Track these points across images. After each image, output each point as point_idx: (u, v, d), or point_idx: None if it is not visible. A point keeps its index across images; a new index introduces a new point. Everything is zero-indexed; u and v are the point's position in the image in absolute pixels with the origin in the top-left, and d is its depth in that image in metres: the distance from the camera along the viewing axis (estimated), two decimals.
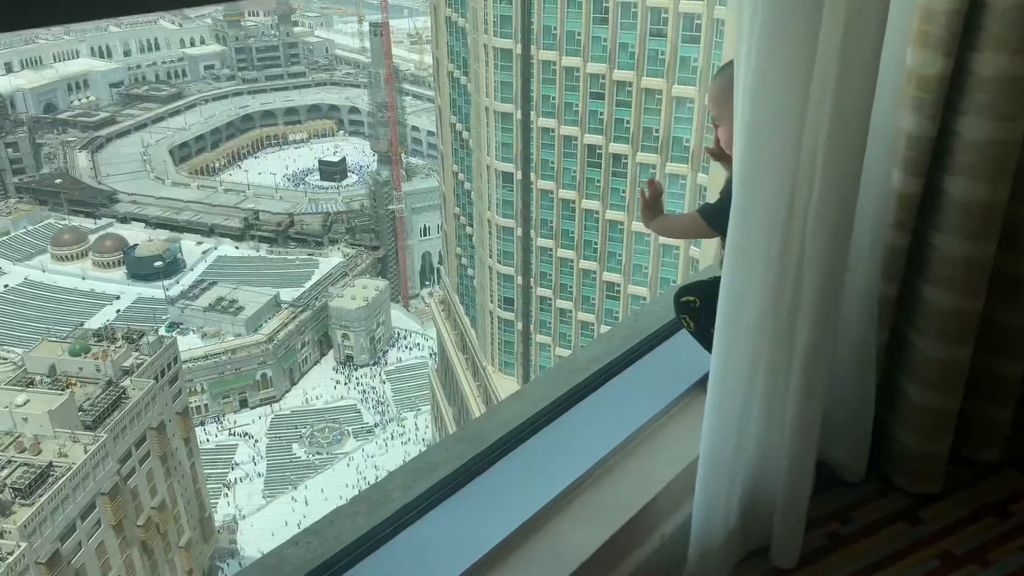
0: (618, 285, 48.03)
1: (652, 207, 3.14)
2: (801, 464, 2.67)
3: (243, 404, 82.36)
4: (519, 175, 49.63)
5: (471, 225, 56.93)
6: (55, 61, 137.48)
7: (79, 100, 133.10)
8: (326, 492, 69.51)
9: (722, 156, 3.01)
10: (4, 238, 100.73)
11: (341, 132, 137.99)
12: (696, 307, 3.22)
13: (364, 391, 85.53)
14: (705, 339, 3.16)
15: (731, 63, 2.96)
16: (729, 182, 3.01)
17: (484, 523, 2.70)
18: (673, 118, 43.25)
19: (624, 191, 45.79)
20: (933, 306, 2.96)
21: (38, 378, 52.62)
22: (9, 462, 45.57)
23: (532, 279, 51.19)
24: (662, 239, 44.76)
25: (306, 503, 69.94)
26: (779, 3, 2.02)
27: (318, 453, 77.59)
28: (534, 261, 50.96)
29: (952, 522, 3.13)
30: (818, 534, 3.03)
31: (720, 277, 3.19)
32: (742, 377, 2.46)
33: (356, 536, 2.61)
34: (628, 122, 44.60)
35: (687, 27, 41.95)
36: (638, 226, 45.83)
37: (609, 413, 3.16)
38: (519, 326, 53.23)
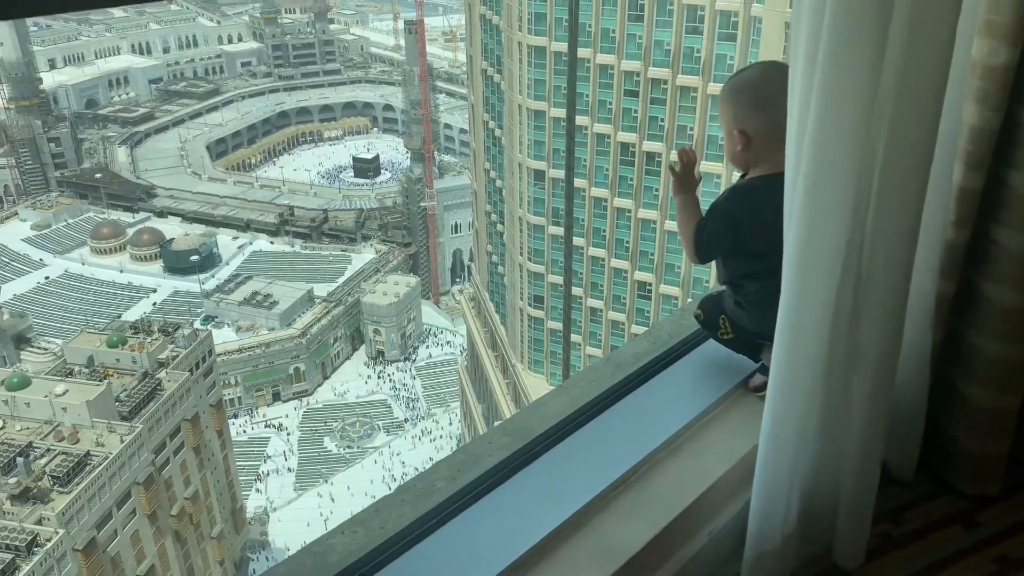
0: (650, 284, 47.75)
1: (684, 179, 3.05)
2: (868, 462, 2.63)
3: (276, 397, 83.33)
4: (551, 172, 49.54)
5: (502, 223, 56.97)
6: (96, 58, 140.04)
7: (119, 96, 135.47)
8: (352, 488, 70.01)
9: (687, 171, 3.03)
10: (46, 231, 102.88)
11: (375, 129, 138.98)
12: (703, 320, 3.23)
13: (395, 386, 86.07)
14: (731, 347, 3.17)
15: (731, 76, 2.95)
16: (723, 201, 2.95)
17: (530, 516, 2.67)
18: (708, 116, 42.88)
19: (657, 189, 45.50)
20: (994, 304, 2.87)
21: (77, 369, 53.72)
22: (48, 450, 46.55)
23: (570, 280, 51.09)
24: None
25: (331, 499, 70.53)
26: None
27: (349, 447, 78.26)
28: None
29: (1009, 525, 3.04)
30: (870, 534, 2.97)
31: (723, 290, 3.17)
32: (803, 378, 2.40)
33: (402, 526, 2.60)
34: (662, 120, 44.32)
35: (723, 24, 41.57)
36: (671, 225, 45.54)
37: (656, 408, 3.11)
38: (549, 324, 53.15)
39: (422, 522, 2.62)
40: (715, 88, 42.13)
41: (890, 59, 2.07)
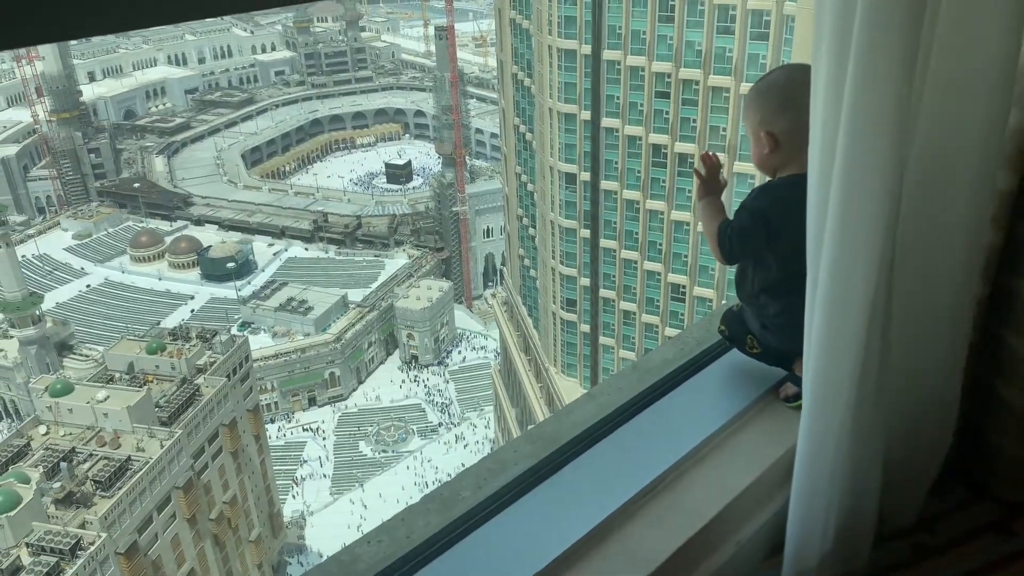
0: (683, 287, 47.41)
1: (709, 182, 3.05)
2: (905, 473, 2.59)
3: (311, 402, 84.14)
4: (582, 175, 49.43)
5: (534, 226, 56.96)
6: (134, 69, 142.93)
7: (156, 106, 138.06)
8: (384, 495, 70.28)
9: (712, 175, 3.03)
10: (86, 240, 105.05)
11: (407, 135, 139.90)
12: (727, 335, 3.21)
13: (428, 390, 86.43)
14: (760, 360, 3.14)
15: (757, 81, 2.92)
16: (751, 200, 2.91)
17: (555, 525, 2.66)
18: (741, 116, 42.45)
19: (690, 191, 45.16)
20: None
21: (118, 375, 54.67)
22: (91, 455, 47.41)
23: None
24: None
25: (363, 506, 70.94)
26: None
27: (384, 451, 78.72)
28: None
29: None
30: (904, 543, 2.91)
31: (744, 307, 3.11)
32: (841, 391, 2.33)
33: (427, 535, 2.60)
34: (694, 121, 44.02)
35: (756, 24, 41.18)
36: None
37: (683, 416, 3.08)
38: (582, 327, 53.00)
39: (448, 531, 2.62)
40: (748, 88, 41.72)
41: (927, 58, 2.02)
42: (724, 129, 43.22)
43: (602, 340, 52.20)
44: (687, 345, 3.44)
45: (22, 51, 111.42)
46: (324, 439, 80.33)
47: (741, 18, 41.17)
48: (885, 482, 2.60)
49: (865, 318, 2.23)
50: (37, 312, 77.66)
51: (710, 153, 3.08)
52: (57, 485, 44.55)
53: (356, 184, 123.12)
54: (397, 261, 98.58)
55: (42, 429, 50.03)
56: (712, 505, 2.77)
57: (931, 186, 2.21)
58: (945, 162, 2.21)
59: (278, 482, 67.14)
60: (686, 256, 46.83)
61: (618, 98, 45.74)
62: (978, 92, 2.15)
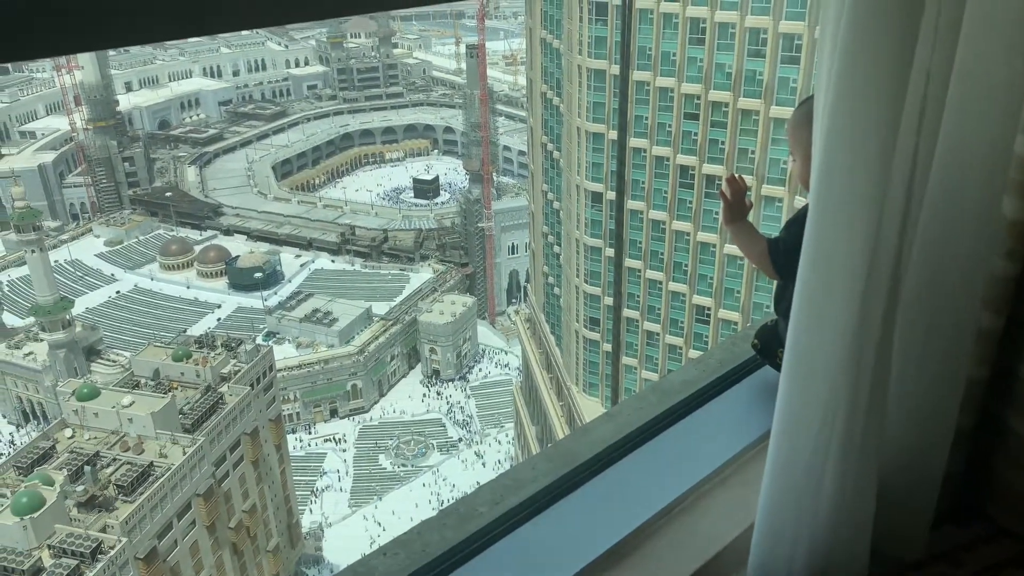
0: (708, 309, 47.11)
1: (734, 208, 3.05)
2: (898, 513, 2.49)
3: (333, 414, 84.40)
4: (609, 194, 49.40)
5: (559, 244, 56.97)
6: (170, 80, 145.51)
7: (190, 117, 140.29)
8: (397, 512, 70.16)
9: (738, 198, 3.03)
10: (118, 247, 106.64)
11: (435, 151, 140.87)
12: (760, 349, 3.22)
13: (450, 405, 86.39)
14: None
15: (809, 98, 2.88)
16: (801, 214, 2.90)
17: (571, 544, 2.65)
18: (770, 139, 42.30)
19: (716, 212, 44.97)
20: None
21: (143, 381, 55.23)
22: (114, 460, 47.83)
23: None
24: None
25: (377, 523, 70.87)
26: (870, 12, 1.87)
27: (403, 465, 78.67)
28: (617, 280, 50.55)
29: None
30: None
31: (780, 321, 3.10)
32: (813, 426, 2.22)
33: (443, 550, 2.60)
34: (722, 143, 43.89)
35: (787, 47, 41.08)
36: (731, 248, 44.92)
37: (703, 438, 3.06)
38: (605, 347, 52.78)
39: (463, 546, 2.62)
40: (778, 111, 41.59)
41: (926, 83, 1.97)
42: (752, 152, 43.05)
43: (624, 360, 51.95)
44: (709, 367, 3.42)
45: (62, 60, 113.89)
46: (344, 451, 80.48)
47: (772, 41, 41.10)
48: (884, 514, 2.51)
49: (845, 344, 2.13)
50: (67, 316, 78.78)
51: (736, 176, 3.07)
52: (80, 488, 44.95)
53: (384, 198, 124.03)
54: (422, 275, 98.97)
55: (68, 432, 50.60)
56: (731, 529, 2.74)
57: (936, 211, 2.18)
58: (949, 186, 2.17)
59: (297, 493, 67.27)
60: (711, 278, 46.55)
61: (647, 118, 45.75)
62: (985, 116, 2.12)
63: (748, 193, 3.13)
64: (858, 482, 2.32)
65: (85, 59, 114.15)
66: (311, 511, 72.02)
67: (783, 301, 3.04)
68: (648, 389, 3.36)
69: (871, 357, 2.16)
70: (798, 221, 2.92)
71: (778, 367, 3.18)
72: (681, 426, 3.11)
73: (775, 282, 3.13)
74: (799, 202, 40.27)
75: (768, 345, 3.16)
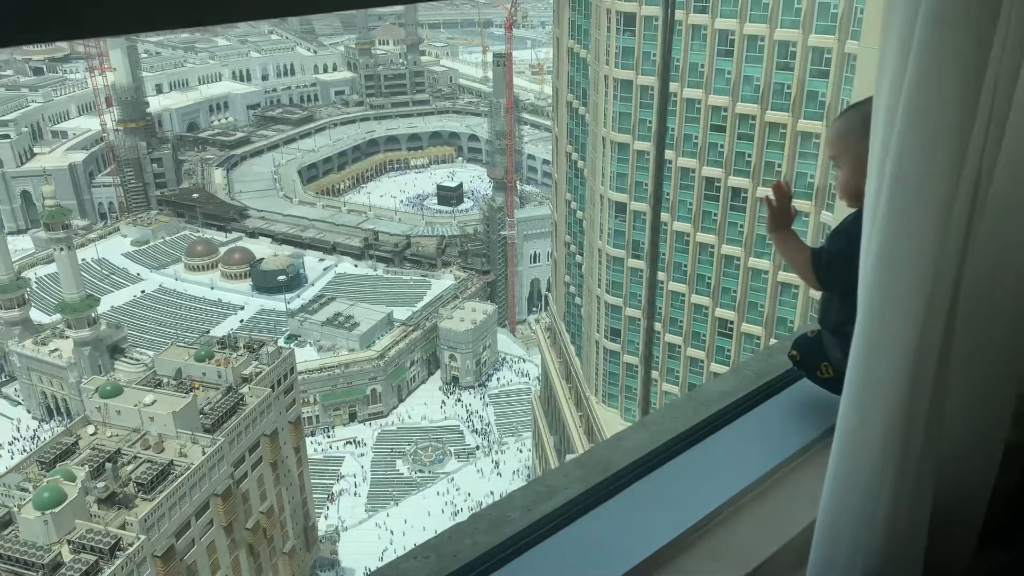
0: (731, 322, 46.77)
1: (779, 215, 3.00)
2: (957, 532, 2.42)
3: (352, 417, 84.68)
4: (633, 205, 49.25)
5: (581, 254, 56.87)
6: (200, 83, 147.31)
7: (219, 120, 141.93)
8: (410, 520, 70.22)
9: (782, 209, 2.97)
10: (144, 247, 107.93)
11: (460, 159, 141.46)
12: (798, 360, 3.14)
13: (468, 412, 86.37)
14: (829, 388, 3.07)
15: (858, 104, 2.81)
16: (847, 225, 2.84)
17: (604, 555, 2.60)
18: (797, 153, 42.02)
19: (742, 225, 44.72)
20: None
21: (165, 380, 55.69)
22: (135, 458, 48.24)
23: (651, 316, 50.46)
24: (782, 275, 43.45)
25: (390, 531, 70.88)
26: (949, 18, 1.83)
27: (420, 471, 78.71)
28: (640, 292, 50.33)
29: None
30: None
31: (819, 330, 3.03)
32: (875, 441, 2.17)
33: (475, 555, 2.56)
34: (749, 156, 43.66)
35: (816, 61, 40.84)
36: (755, 262, 44.63)
37: (741, 450, 3.00)
38: (625, 358, 52.55)
39: (495, 552, 2.57)
40: (806, 125, 41.33)
41: (993, 96, 1.92)
42: (779, 165, 42.78)
43: (644, 372, 51.68)
44: (746, 378, 3.35)
45: (95, 61, 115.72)
46: (362, 455, 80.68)
47: (801, 55, 40.86)
48: (931, 531, 2.44)
49: (908, 358, 2.08)
50: (93, 314, 79.77)
51: (783, 183, 3.01)
52: (101, 485, 45.36)
53: (407, 204, 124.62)
54: (443, 282, 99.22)
55: (90, 429, 51.14)
56: (769, 544, 2.68)
57: (994, 222, 2.11)
58: (1008, 196, 2.11)
59: (314, 496, 67.47)
60: (735, 291, 46.23)
61: (673, 129, 45.63)
62: None
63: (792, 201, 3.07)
64: (915, 498, 2.26)
65: (117, 61, 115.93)
66: (326, 516, 72.17)
67: (830, 314, 2.97)
68: (684, 398, 3.30)
69: (932, 371, 2.11)
70: (843, 232, 2.85)
71: (818, 380, 3.12)
72: (718, 437, 3.05)
73: (821, 296, 3.06)
74: (826, 216, 39.96)
75: (809, 357, 3.09)
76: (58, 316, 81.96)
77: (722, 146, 44.36)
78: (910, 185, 1.94)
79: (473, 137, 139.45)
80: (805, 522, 2.80)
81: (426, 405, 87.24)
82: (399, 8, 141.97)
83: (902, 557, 2.36)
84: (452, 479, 76.88)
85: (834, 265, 2.84)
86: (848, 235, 2.79)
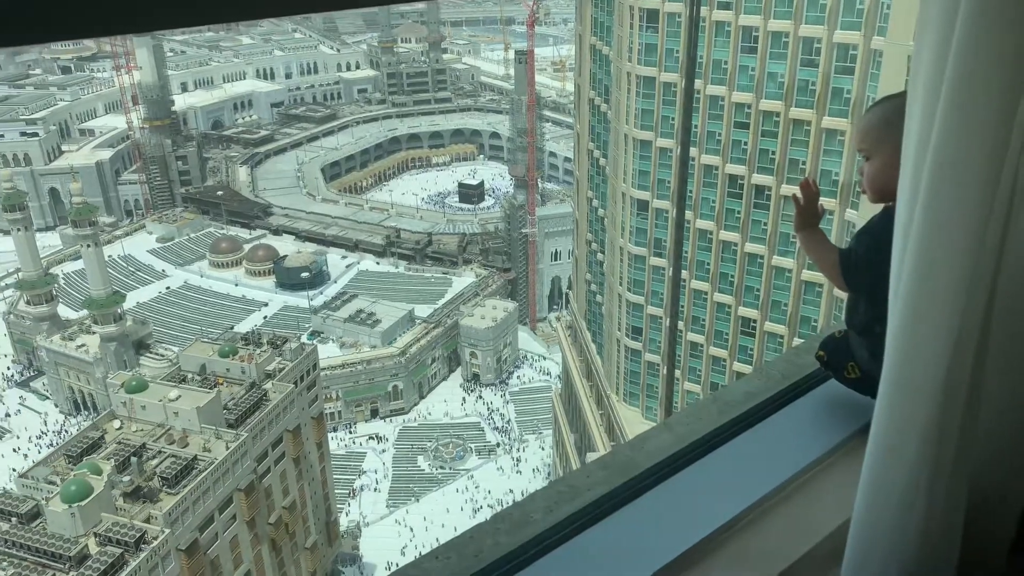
0: (754, 321, 46.44)
1: (806, 214, 2.96)
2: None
3: (374, 414, 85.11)
4: (655, 203, 49.00)
5: (603, 251, 56.69)
6: (224, 82, 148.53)
7: (243, 118, 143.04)
8: (429, 517, 70.42)
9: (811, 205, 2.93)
10: (169, 244, 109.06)
11: (481, 156, 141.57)
12: (825, 361, 3.11)
13: (489, 410, 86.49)
14: (856, 388, 3.04)
15: (892, 97, 2.74)
16: (875, 224, 2.77)
17: (627, 557, 2.57)
18: (822, 150, 41.61)
19: (765, 223, 44.36)
20: None
21: (190, 375, 56.25)
22: (159, 452, 48.77)
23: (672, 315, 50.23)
24: (805, 273, 43.09)
25: (409, 528, 71.14)
26: (991, 8, 1.78)
27: (441, 467, 78.95)
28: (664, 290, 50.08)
29: None
30: None
31: (846, 331, 2.97)
32: (910, 445, 2.14)
33: (497, 556, 2.54)
34: (773, 153, 43.29)
35: (841, 57, 40.38)
36: (779, 260, 44.28)
37: (766, 452, 2.96)
38: (647, 356, 52.35)
39: (517, 553, 2.56)
40: (830, 122, 40.90)
41: None
42: (804, 163, 42.38)
43: (666, 370, 51.43)
44: (772, 378, 3.31)
45: (122, 60, 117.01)
46: (383, 451, 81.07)
47: (826, 51, 40.43)
48: (967, 533, 2.40)
49: (944, 360, 2.04)
50: (119, 310, 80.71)
51: (810, 181, 2.95)
52: (127, 479, 45.92)
53: (429, 202, 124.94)
54: (464, 279, 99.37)
55: (116, 423, 51.77)
56: (795, 548, 2.64)
57: None
58: None
59: (336, 491, 67.85)
60: (758, 290, 45.88)
61: (696, 127, 45.34)
62: None
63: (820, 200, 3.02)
64: (949, 501, 2.22)
65: (143, 59, 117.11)
66: (348, 512, 72.57)
67: (856, 314, 2.92)
68: (708, 399, 3.26)
69: (967, 374, 2.06)
70: (871, 232, 2.80)
71: (846, 381, 3.07)
72: (743, 439, 3.01)
73: (847, 295, 3.01)
74: (851, 215, 39.54)
75: (836, 358, 3.05)
76: (85, 312, 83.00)
77: (746, 143, 44.02)
78: (947, 186, 1.90)
79: (495, 135, 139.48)
80: (833, 526, 2.76)
81: (446, 402, 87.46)
82: (421, 6, 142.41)
83: (936, 560, 2.33)
84: (472, 476, 77.02)
85: (862, 266, 2.79)
86: (876, 235, 2.74)
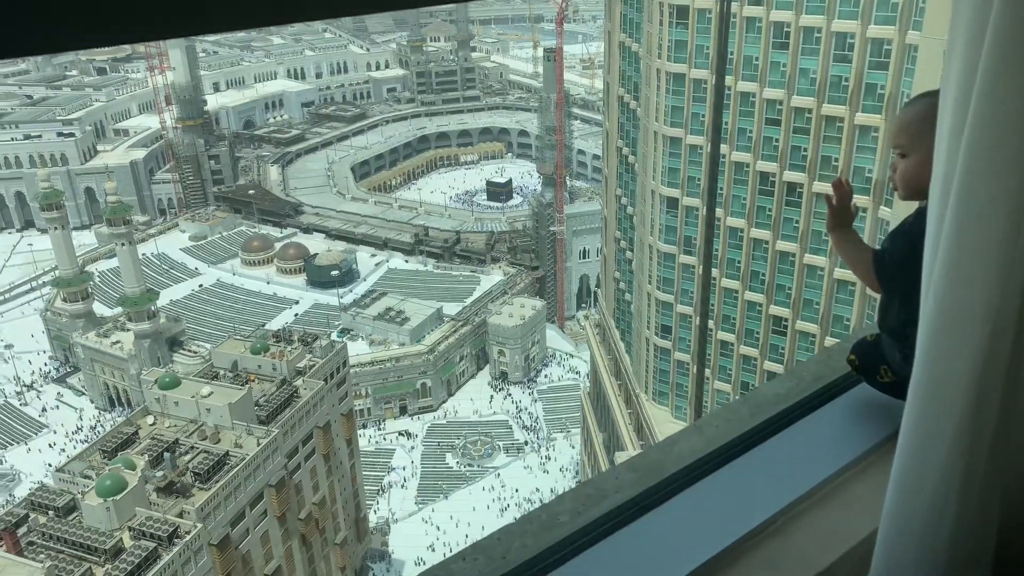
0: (786, 320, 45.94)
1: (839, 213, 2.92)
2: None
3: (403, 411, 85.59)
4: (685, 200, 48.66)
5: (631, 249, 56.43)
6: (256, 82, 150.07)
7: (274, 118, 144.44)
8: (455, 517, 70.62)
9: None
10: (202, 242, 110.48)
11: (509, 154, 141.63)
12: (857, 365, 3.07)
13: (517, 408, 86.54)
14: (890, 392, 2.98)
15: (933, 93, 2.66)
16: (909, 225, 2.71)
17: (655, 562, 2.55)
18: (855, 147, 41.03)
19: (797, 221, 43.86)
20: None
21: (222, 372, 56.96)
22: (192, 448, 49.43)
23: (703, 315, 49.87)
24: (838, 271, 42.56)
25: (436, 527, 71.34)
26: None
27: (469, 465, 79.16)
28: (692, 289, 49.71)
29: None
30: None
31: (878, 334, 2.91)
32: (939, 451, 2.07)
33: (524, 558, 2.53)
34: (805, 150, 42.77)
35: (875, 53, 39.78)
36: (811, 258, 43.78)
37: (798, 455, 2.91)
38: (676, 355, 52.02)
39: (545, 556, 2.54)
40: (864, 118, 40.32)
41: None
42: (836, 160, 41.83)
43: (696, 369, 51.08)
44: (803, 380, 3.26)
45: (155, 61, 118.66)
46: (412, 448, 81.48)
47: (860, 46, 39.85)
48: (1000, 540, 2.34)
49: (978, 361, 1.97)
50: (153, 308, 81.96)
51: (843, 180, 2.90)
52: (160, 474, 46.57)
53: (457, 200, 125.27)
54: (492, 277, 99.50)
55: (150, 419, 52.55)
56: (827, 554, 2.60)
57: None
58: None
59: (365, 487, 68.30)
60: (790, 288, 45.38)
61: (727, 123, 44.95)
62: None
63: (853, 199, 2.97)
64: (982, 508, 2.16)
65: (176, 60, 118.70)
66: (377, 508, 73.03)
67: (889, 316, 2.87)
68: (738, 401, 3.22)
69: (1000, 377, 2.00)
70: (905, 232, 2.74)
71: (879, 385, 3.02)
72: (774, 442, 2.97)
73: (879, 296, 2.96)
74: (884, 212, 38.95)
75: (869, 362, 2.99)
76: (119, 309, 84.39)
77: (777, 140, 43.55)
78: (979, 184, 1.85)
79: (523, 133, 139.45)
80: (865, 532, 2.71)
81: (472, 401, 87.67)
82: (451, 5, 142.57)
83: (968, 568, 2.27)
84: (499, 475, 77.12)
85: (896, 267, 2.74)
86: (910, 235, 2.69)
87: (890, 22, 38.81)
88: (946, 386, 2.03)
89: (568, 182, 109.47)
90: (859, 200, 40.16)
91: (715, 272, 47.90)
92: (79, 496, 45.12)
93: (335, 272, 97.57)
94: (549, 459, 79.10)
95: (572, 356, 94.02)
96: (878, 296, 3.03)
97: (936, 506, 2.15)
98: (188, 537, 44.04)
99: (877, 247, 2.98)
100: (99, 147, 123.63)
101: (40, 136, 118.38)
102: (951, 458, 2.09)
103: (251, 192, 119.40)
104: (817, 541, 2.68)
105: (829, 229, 2.94)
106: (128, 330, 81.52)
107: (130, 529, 43.76)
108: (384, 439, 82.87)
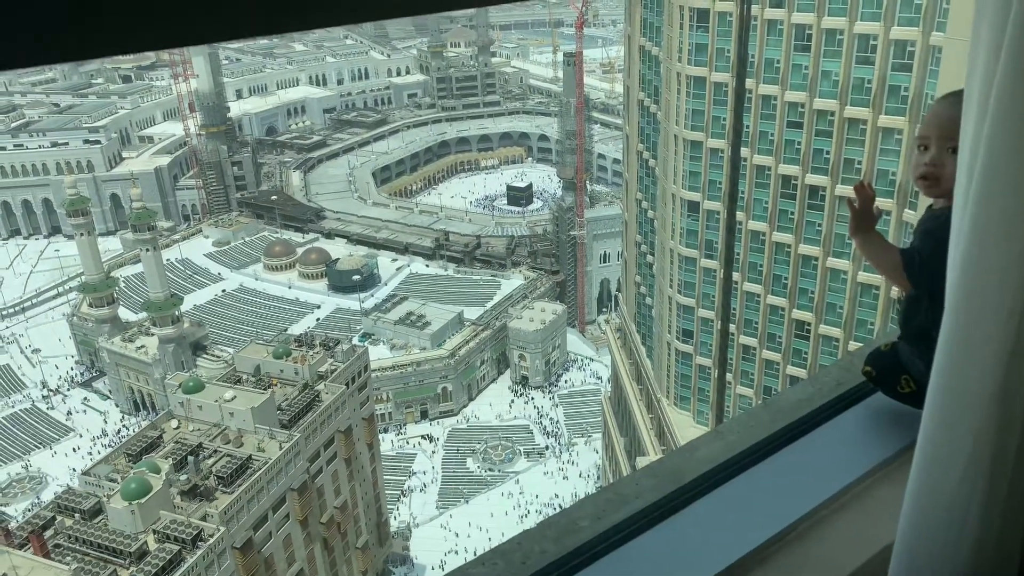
0: (808, 324, 45.54)
1: (862, 217, 2.88)
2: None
3: (423, 415, 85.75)
4: (706, 204, 48.43)
5: (652, 254, 56.22)
6: (278, 88, 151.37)
7: (296, 124, 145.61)
8: (474, 522, 70.58)
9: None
10: (225, 247, 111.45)
11: (529, 159, 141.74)
12: (874, 377, 3.03)
13: (538, 412, 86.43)
14: (911, 403, 2.94)
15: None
16: (943, 222, 2.68)
17: (676, 567, 2.54)
18: (878, 150, 40.63)
19: (820, 224, 43.49)
20: None
21: (245, 377, 57.33)
22: (215, 452, 49.81)
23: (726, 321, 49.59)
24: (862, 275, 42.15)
25: (454, 533, 71.30)
26: None
27: (490, 469, 79.14)
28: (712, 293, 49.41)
29: None
30: None
31: (896, 343, 2.87)
32: (959, 459, 2.03)
33: (544, 563, 2.53)
34: (827, 152, 42.42)
35: (898, 55, 39.39)
36: (834, 261, 43.40)
37: (820, 461, 2.89)
38: (698, 360, 51.73)
39: (564, 561, 2.54)
40: (887, 120, 39.93)
41: None
42: (859, 162, 41.45)
43: (717, 373, 50.76)
44: (825, 385, 3.24)
45: (179, 69, 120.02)
46: (433, 453, 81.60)
47: (883, 48, 39.47)
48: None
49: (1000, 367, 1.93)
50: (176, 313, 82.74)
51: (865, 184, 2.88)
52: (184, 477, 46.98)
53: (478, 205, 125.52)
54: (513, 282, 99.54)
55: (174, 423, 53.04)
56: (849, 560, 2.58)
57: None
58: None
59: (386, 492, 68.46)
60: (812, 292, 44.98)
61: (748, 126, 44.69)
62: None
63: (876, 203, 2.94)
64: (1006, 520, 2.11)
65: (200, 67, 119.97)
66: (398, 513, 73.16)
67: (915, 319, 2.84)
68: (759, 407, 3.20)
69: (1022, 385, 1.97)
70: (934, 232, 2.72)
71: (898, 396, 2.98)
72: (795, 448, 2.95)
73: (903, 300, 2.92)
74: (908, 215, 38.55)
75: (886, 372, 2.95)
76: (144, 314, 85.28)
77: (799, 143, 43.22)
78: (999, 183, 1.83)
79: (543, 137, 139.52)
80: (886, 541, 2.68)
81: (491, 406, 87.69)
82: (470, 11, 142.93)
83: None
84: (519, 480, 76.99)
85: (927, 267, 2.71)
86: (939, 238, 2.67)
87: (913, 23, 38.42)
88: (966, 392, 1.99)
89: (588, 186, 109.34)
90: (883, 203, 39.73)
91: (736, 276, 47.58)
92: (104, 499, 45.63)
93: (356, 277, 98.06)
94: (570, 464, 78.87)
95: (593, 360, 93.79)
96: (901, 302, 3.00)
97: (954, 519, 2.09)
98: (212, 540, 44.36)
99: (905, 246, 2.95)
100: (124, 154, 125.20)
101: (67, 143, 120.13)
102: (969, 473, 2.03)
103: (273, 198, 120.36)
104: (838, 548, 2.66)
105: (852, 233, 2.92)
106: (152, 335, 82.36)
107: (155, 532, 44.17)
108: (405, 443, 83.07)
